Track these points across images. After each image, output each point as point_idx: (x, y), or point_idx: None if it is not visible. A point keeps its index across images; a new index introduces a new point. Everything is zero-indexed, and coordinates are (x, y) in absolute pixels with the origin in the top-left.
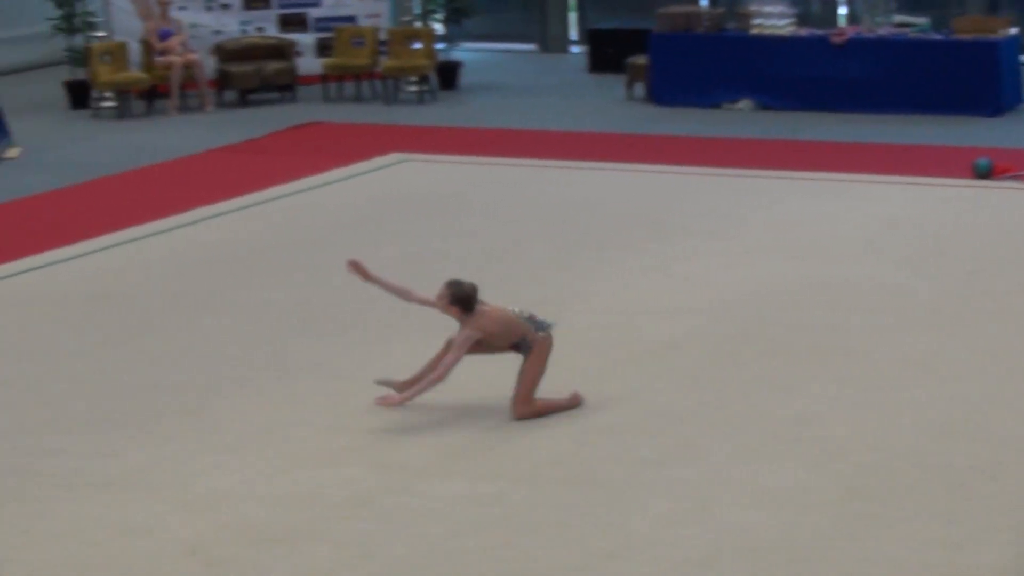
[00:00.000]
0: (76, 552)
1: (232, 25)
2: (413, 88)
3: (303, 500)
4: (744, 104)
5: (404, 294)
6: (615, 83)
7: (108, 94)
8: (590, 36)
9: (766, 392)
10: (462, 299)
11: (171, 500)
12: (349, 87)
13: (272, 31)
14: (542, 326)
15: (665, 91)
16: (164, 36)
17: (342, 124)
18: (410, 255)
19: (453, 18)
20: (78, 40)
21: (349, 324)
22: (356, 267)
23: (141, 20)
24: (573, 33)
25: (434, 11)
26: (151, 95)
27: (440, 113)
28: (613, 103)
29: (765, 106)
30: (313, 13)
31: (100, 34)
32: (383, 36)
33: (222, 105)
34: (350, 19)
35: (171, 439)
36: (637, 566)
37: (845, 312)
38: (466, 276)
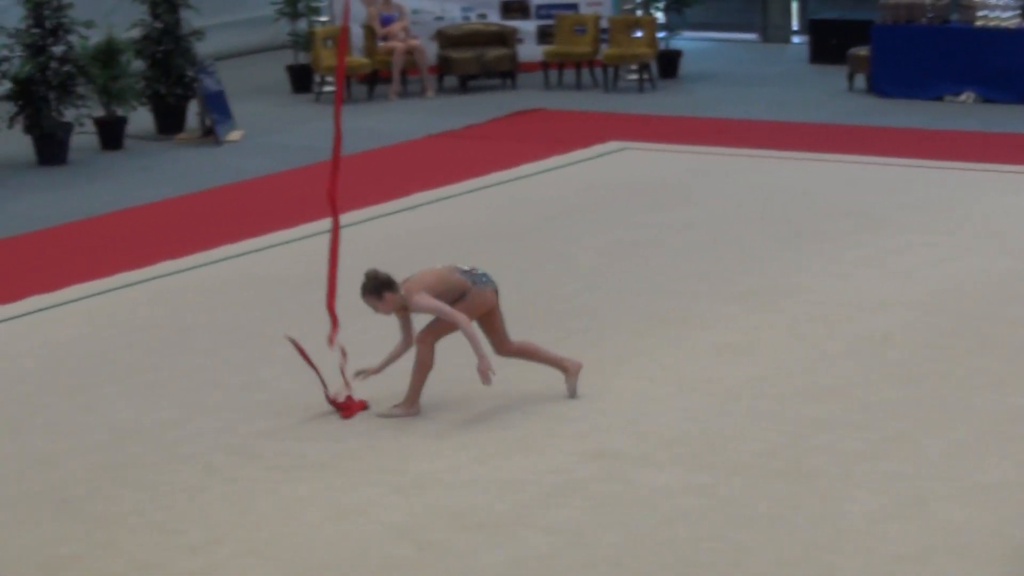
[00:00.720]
0: (290, 533)
1: (454, 11)
2: (633, 76)
3: (515, 486)
4: (967, 97)
5: (400, 351)
6: (836, 74)
7: (330, 78)
8: (811, 26)
9: (981, 387)
10: (383, 283)
11: (384, 484)
12: (569, 74)
13: (494, 18)
14: (480, 279)
15: (887, 83)
16: (386, 22)
17: (562, 111)
18: (624, 243)
19: (675, 7)
20: (301, 25)
21: (562, 312)
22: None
23: (364, 5)
24: (794, 23)
25: (656, 0)
26: (372, 80)
27: (660, 102)
28: (833, 94)
29: (988, 99)
30: (535, 0)
31: (323, 19)
32: (604, 24)
33: (443, 91)
34: (572, 7)
35: (385, 424)
36: (850, 560)
37: None
38: (679, 266)
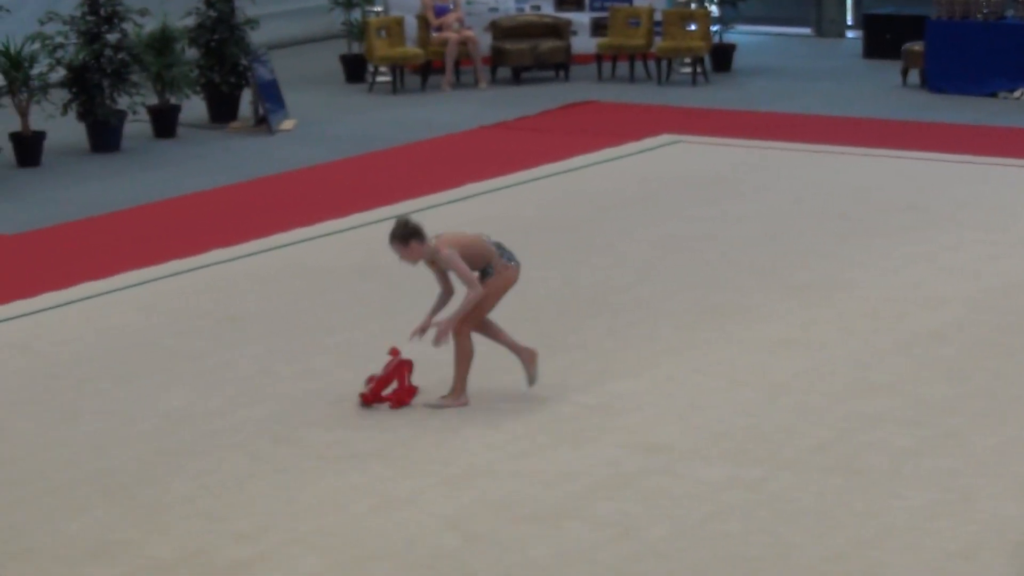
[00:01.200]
0: (337, 522)
1: (508, 3)
2: (687, 69)
3: (563, 478)
4: (1021, 93)
5: (441, 302)
6: (890, 69)
7: (383, 69)
8: (866, 21)
9: None
10: (411, 231)
11: (433, 474)
12: (623, 67)
13: (548, 9)
14: (509, 256)
15: (941, 78)
16: (440, 12)
17: (615, 104)
18: (677, 237)
19: (729, 0)
20: (355, 14)
21: (614, 305)
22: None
23: None
24: (849, 18)
25: None
26: (426, 70)
27: (713, 95)
28: (887, 89)
29: None
30: None
31: (377, 9)
32: (658, 17)
33: (496, 82)
34: None
35: (435, 414)
36: (897, 556)
37: None
38: (732, 260)
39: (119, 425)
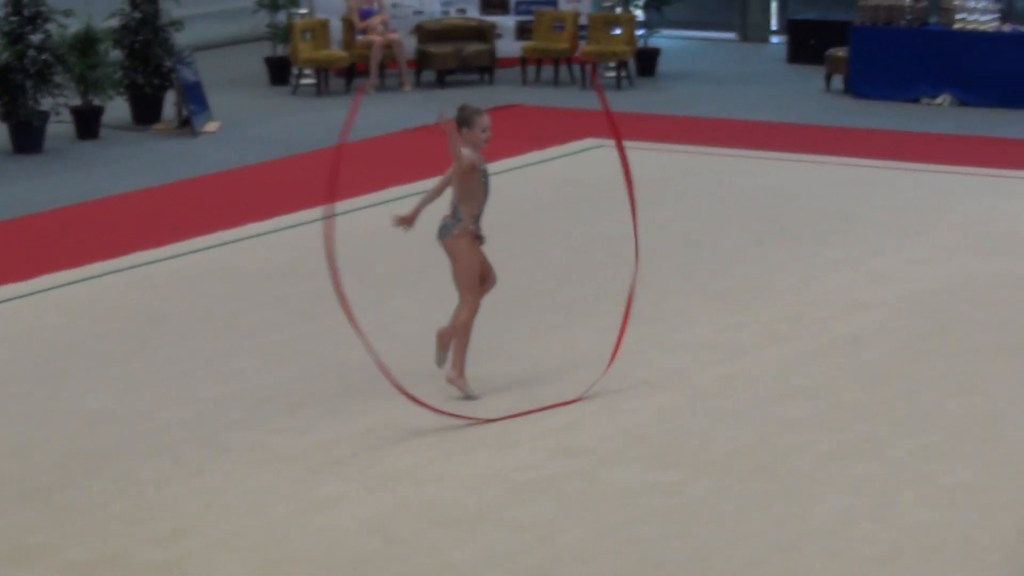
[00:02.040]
0: (257, 525)
1: (434, 5)
2: (611, 74)
3: (484, 482)
4: (944, 99)
5: (432, 196)
6: (814, 74)
7: (308, 71)
8: (790, 26)
9: (951, 390)
10: (463, 118)
11: (354, 478)
12: (547, 71)
13: (473, 13)
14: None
15: (864, 84)
16: (366, 15)
17: (539, 108)
18: (598, 241)
19: (654, 4)
20: (280, 16)
21: (536, 308)
22: (402, 221)
23: None
24: (773, 23)
25: None
26: (350, 73)
27: (637, 100)
28: (811, 94)
29: (965, 102)
30: None
31: (302, 11)
32: (583, 21)
33: (420, 85)
34: (551, 3)
35: (355, 417)
36: (816, 561)
37: None
38: (654, 264)
39: (38, 428)
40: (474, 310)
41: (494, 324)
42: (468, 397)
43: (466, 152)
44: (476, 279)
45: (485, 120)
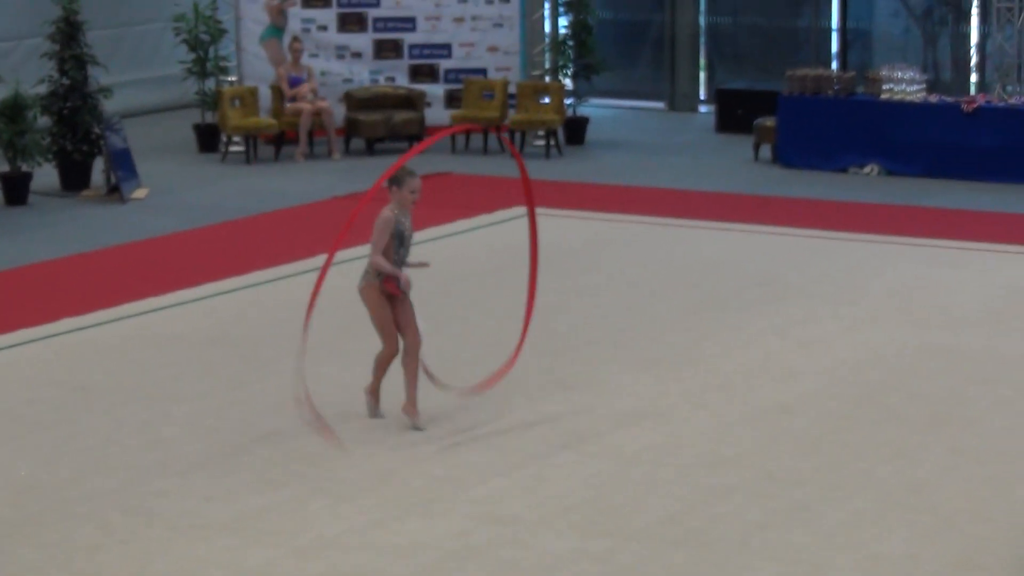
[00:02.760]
0: None
1: (363, 74)
2: (540, 142)
3: (413, 550)
4: (871, 169)
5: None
6: (743, 143)
7: (237, 138)
8: (719, 95)
9: (881, 459)
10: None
11: (284, 545)
12: (477, 139)
13: (402, 81)
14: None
15: (792, 153)
16: (295, 83)
17: (469, 176)
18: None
19: (583, 74)
20: (209, 84)
21: (464, 376)
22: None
23: (273, 66)
24: (702, 92)
25: (564, 66)
26: (279, 141)
27: (566, 168)
28: (740, 164)
29: (892, 172)
30: (444, 65)
31: (231, 79)
32: (513, 89)
33: (350, 153)
34: (481, 71)
35: (285, 484)
36: None
37: (963, 381)
38: (584, 332)
39: None
40: (389, 357)
41: (421, 391)
42: (416, 428)
43: (382, 214)
44: (389, 326)
45: (415, 183)
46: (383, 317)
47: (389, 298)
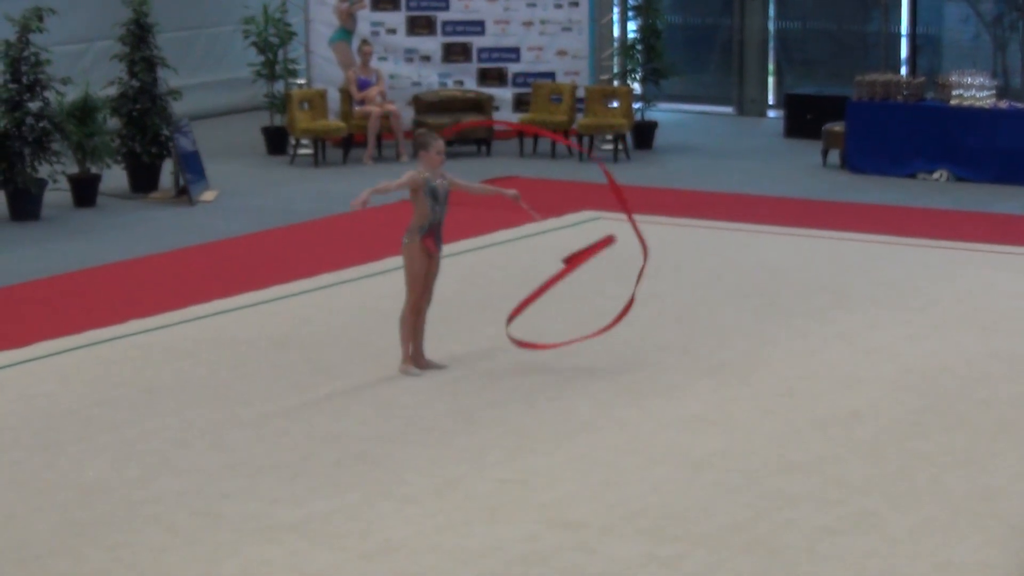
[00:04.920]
0: None
1: (431, 77)
2: (608, 146)
3: (480, 554)
4: (940, 175)
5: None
6: (811, 149)
7: (305, 141)
8: (787, 101)
9: (950, 466)
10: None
11: (350, 549)
12: (545, 143)
13: (471, 84)
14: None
15: (861, 159)
16: (363, 86)
17: (536, 179)
18: (594, 314)
19: (651, 78)
20: (278, 86)
21: (532, 381)
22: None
23: (342, 69)
24: (771, 97)
25: (633, 71)
26: (348, 144)
27: (634, 172)
28: (808, 169)
29: (961, 177)
30: (512, 68)
31: (300, 81)
32: (581, 93)
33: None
34: (549, 75)
35: (352, 488)
36: None
37: None
38: (651, 338)
39: (33, 496)
40: (413, 308)
41: (489, 394)
42: (409, 374)
43: (409, 173)
44: (418, 282)
45: (440, 144)
46: (415, 271)
47: (427, 257)
